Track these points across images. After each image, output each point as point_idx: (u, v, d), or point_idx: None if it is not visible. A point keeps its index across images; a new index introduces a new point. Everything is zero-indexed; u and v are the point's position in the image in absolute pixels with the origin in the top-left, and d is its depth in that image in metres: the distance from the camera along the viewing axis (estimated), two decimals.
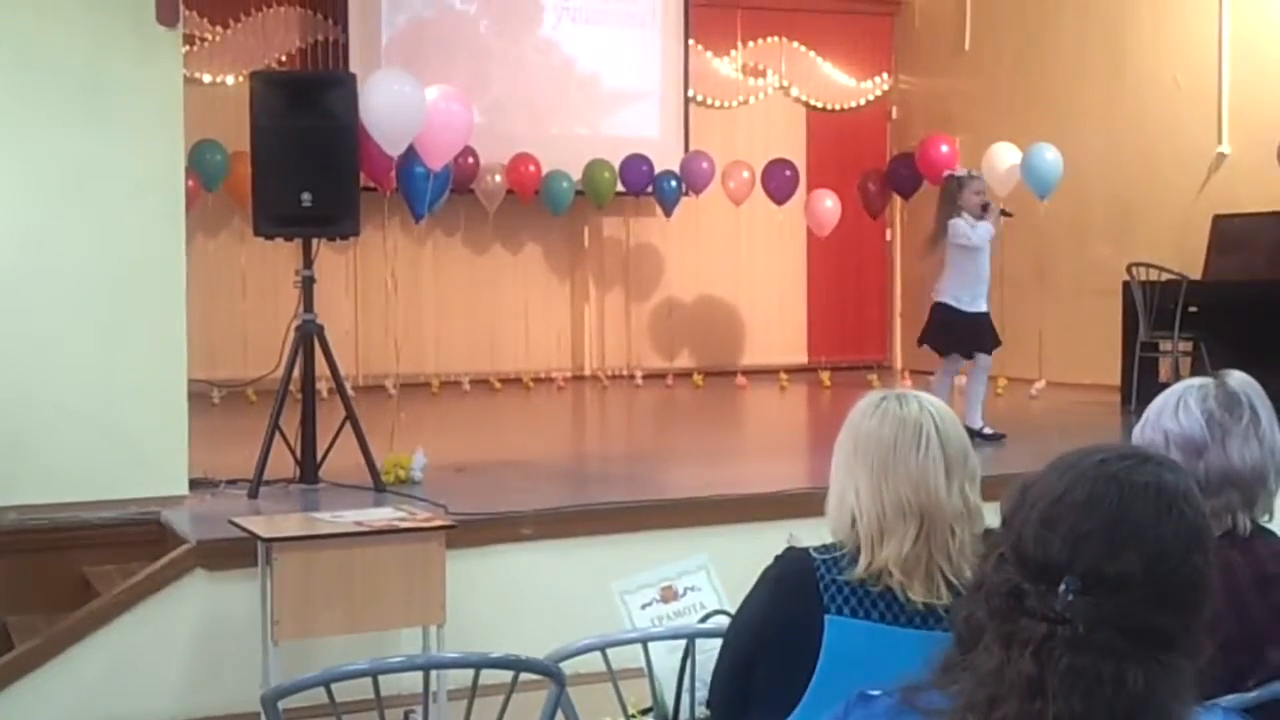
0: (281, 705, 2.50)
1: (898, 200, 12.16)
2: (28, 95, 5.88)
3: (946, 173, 8.46)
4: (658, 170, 11.52)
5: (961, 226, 7.88)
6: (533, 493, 6.22)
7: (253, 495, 6.14)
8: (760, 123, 12.82)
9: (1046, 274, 10.94)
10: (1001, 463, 6.71)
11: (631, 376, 12.04)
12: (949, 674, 1.54)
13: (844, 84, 13.13)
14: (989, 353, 7.99)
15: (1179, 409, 2.56)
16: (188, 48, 9.65)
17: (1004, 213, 8.12)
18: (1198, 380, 2.61)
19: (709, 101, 12.65)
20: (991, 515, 1.79)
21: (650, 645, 2.83)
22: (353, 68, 10.45)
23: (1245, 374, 2.63)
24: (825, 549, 2.46)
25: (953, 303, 7.94)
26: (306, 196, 6.31)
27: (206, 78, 10.79)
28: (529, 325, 11.95)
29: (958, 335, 7.97)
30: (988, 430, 7.77)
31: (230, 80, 10.81)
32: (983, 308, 7.98)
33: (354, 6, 11.28)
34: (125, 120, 5.99)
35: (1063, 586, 1.45)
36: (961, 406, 7.79)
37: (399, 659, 3.54)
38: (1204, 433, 2.53)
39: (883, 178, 11.76)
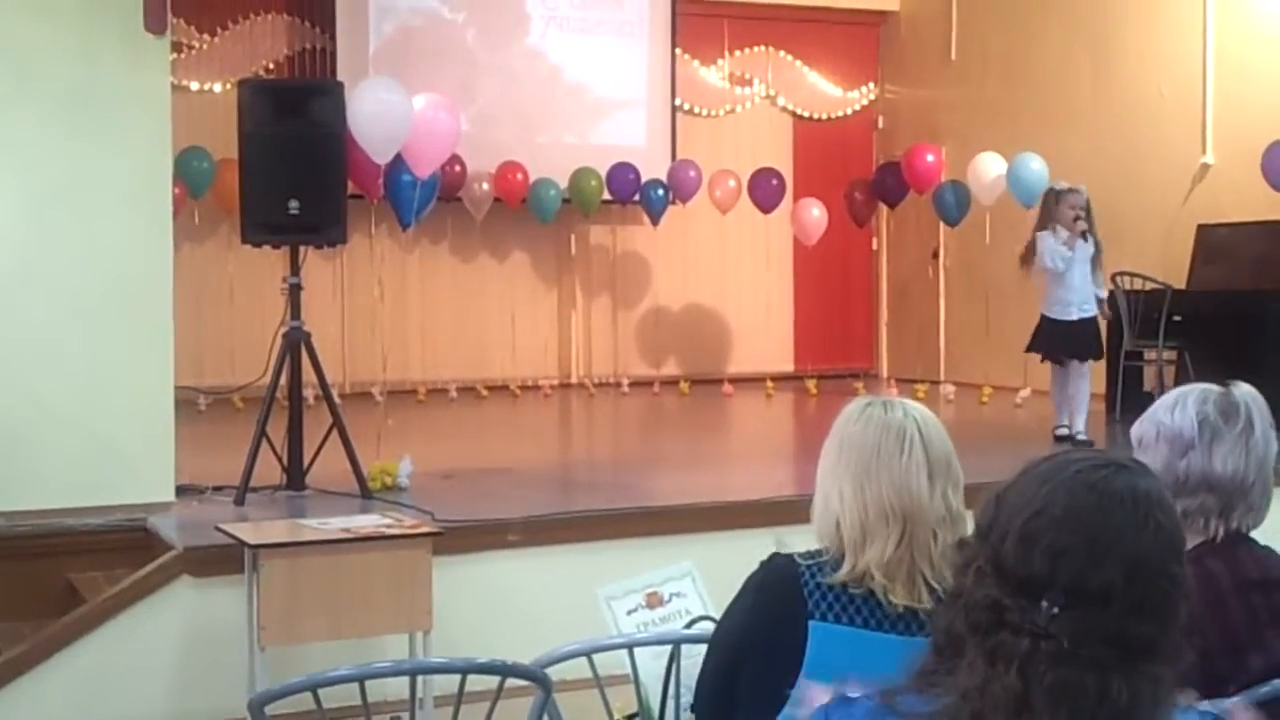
0: (268, 710, 2.51)
1: (884, 209, 12.20)
2: (15, 102, 5.87)
3: (1049, 185, 8.50)
4: (645, 179, 11.53)
5: (1047, 243, 7.94)
6: (519, 500, 6.22)
7: (239, 502, 6.13)
8: (747, 132, 12.85)
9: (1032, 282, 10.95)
10: (985, 471, 6.72)
11: (618, 384, 12.06)
12: (926, 679, 1.55)
13: (830, 93, 13.17)
14: (1083, 360, 8.15)
15: (1176, 406, 2.61)
16: (175, 55, 9.68)
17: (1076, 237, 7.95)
18: (1205, 384, 2.65)
19: (696, 110, 12.68)
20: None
21: (636, 651, 2.85)
22: (340, 76, 10.46)
23: (1253, 388, 2.66)
24: (810, 555, 2.48)
25: (1051, 314, 8.11)
26: (294, 204, 6.31)
27: (194, 85, 10.79)
28: (516, 333, 11.95)
29: (1060, 341, 8.12)
30: (1081, 436, 7.97)
31: (218, 88, 10.82)
32: (1088, 313, 8.09)
33: (342, 15, 11.30)
34: (113, 128, 5.98)
35: (1045, 602, 1.45)
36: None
37: (385, 664, 3.54)
38: (1193, 432, 2.57)
39: (869, 187, 11.81)
